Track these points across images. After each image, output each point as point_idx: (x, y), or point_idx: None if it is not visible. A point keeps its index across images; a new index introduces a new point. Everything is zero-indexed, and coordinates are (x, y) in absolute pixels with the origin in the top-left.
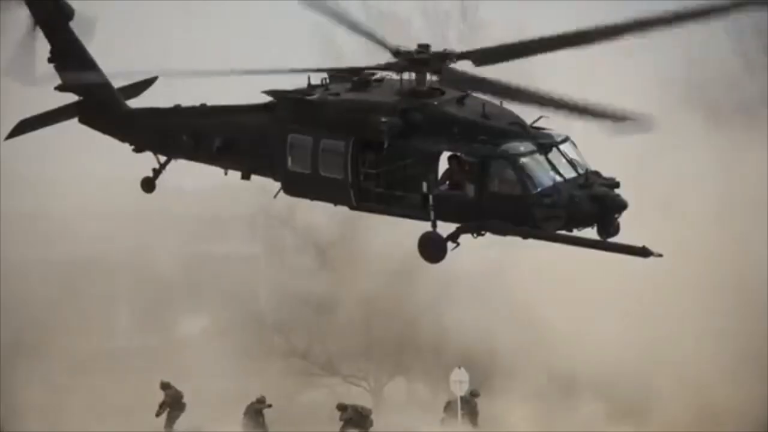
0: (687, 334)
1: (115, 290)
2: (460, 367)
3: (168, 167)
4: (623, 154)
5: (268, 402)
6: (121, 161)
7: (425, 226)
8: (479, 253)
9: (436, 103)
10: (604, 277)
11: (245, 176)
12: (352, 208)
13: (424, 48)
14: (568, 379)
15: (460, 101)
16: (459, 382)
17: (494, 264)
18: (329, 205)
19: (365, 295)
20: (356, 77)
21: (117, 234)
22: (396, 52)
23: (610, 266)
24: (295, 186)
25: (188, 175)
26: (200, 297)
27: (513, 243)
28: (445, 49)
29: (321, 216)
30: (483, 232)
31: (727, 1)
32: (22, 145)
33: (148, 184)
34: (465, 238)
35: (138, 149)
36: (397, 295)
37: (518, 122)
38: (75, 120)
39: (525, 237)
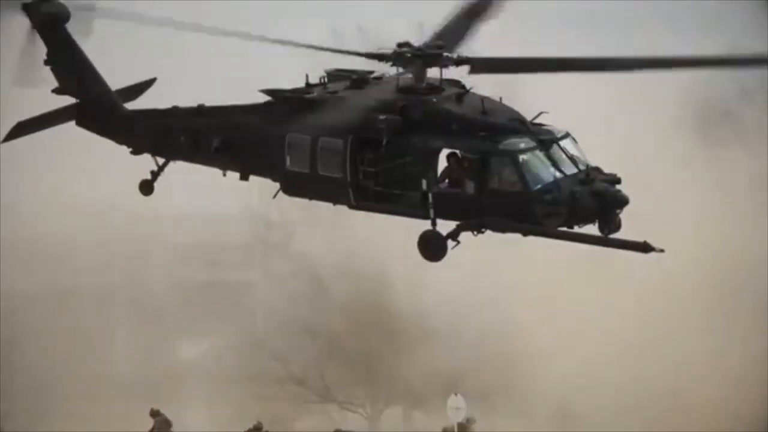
0: (685, 336)
1: (111, 316)
2: (456, 394)
3: (164, 194)
4: (622, 155)
5: (265, 428)
6: (119, 187)
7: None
8: (476, 279)
9: (434, 100)
10: (597, 287)
11: (244, 177)
12: (351, 207)
13: (423, 45)
14: (561, 399)
15: (459, 98)
16: (456, 409)
17: (489, 291)
18: (326, 232)
19: (362, 321)
20: (355, 75)
21: (113, 260)
22: (396, 47)
23: (602, 278)
24: (293, 186)
25: (186, 202)
26: (197, 323)
27: (507, 264)
28: (444, 48)
29: (318, 243)
30: (483, 230)
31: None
32: (16, 170)
33: (147, 187)
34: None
35: (136, 152)
36: (395, 322)
37: (518, 118)
38: (72, 144)
39: (525, 234)
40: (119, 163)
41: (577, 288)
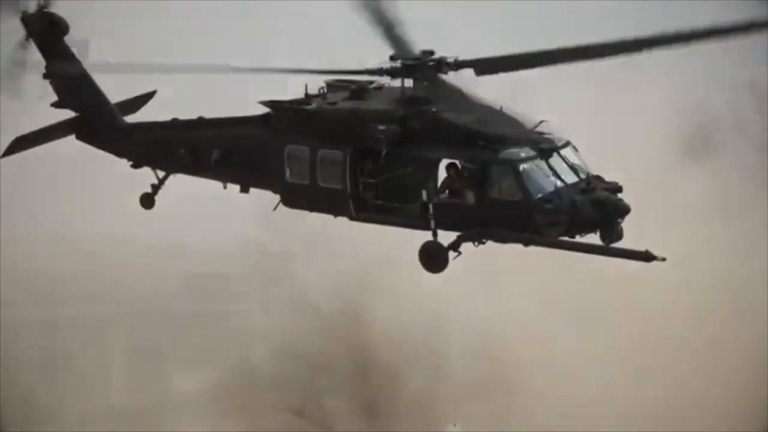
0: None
1: (106, 347)
2: (455, 424)
3: (161, 225)
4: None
5: None
6: (118, 218)
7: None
8: (477, 309)
9: (434, 109)
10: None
11: (244, 189)
12: (351, 218)
13: (424, 54)
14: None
15: (459, 107)
16: None
17: (485, 321)
18: (325, 262)
19: (362, 351)
20: (354, 85)
21: (111, 291)
22: (393, 58)
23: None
24: (294, 198)
25: (184, 234)
26: (195, 354)
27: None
28: (444, 57)
29: (316, 273)
30: (484, 241)
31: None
32: (17, 202)
33: (148, 200)
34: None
35: (136, 165)
36: (395, 352)
37: (518, 127)
38: (66, 175)
39: (527, 244)
40: (114, 193)
41: (568, 315)
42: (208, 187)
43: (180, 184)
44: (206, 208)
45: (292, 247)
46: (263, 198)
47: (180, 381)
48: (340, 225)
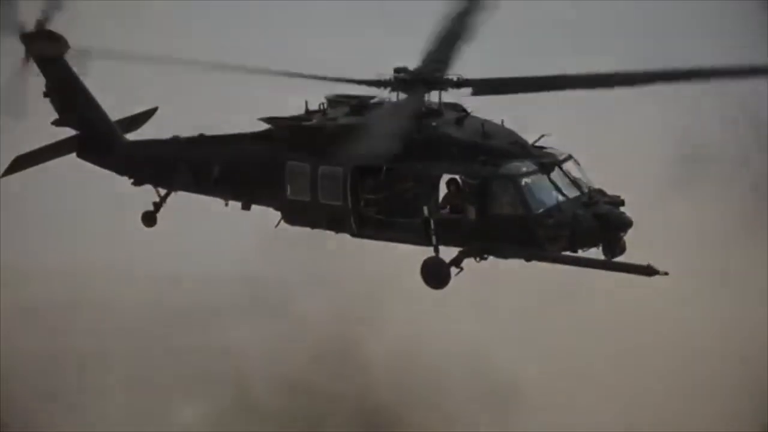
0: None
1: (108, 381)
2: None
3: (158, 255)
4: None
5: None
6: (116, 243)
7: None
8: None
9: (434, 124)
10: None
11: (245, 206)
12: (353, 235)
13: (420, 69)
14: None
15: (459, 122)
16: None
17: (491, 346)
18: (324, 293)
19: (362, 383)
20: (355, 101)
21: (110, 324)
22: (396, 71)
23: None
24: (295, 215)
25: (181, 265)
26: (194, 387)
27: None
28: (444, 72)
29: (316, 304)
30: (486, 256)
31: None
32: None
33: (149, 218)
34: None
35: (137, 183)
36: (396, 383)
37: (519, 142)
38: (65, 209)
39: (528, 259)
40: (113, 226)
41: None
42: (207, 213)
43: (180, 206)
44: (205, 235)
45: (291, 278)
46: (263, 225)
47: (178, 413)
48: (340, 248)
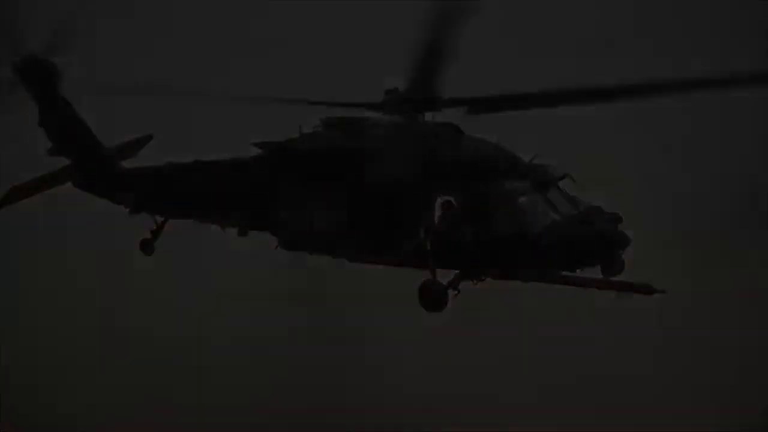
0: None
1: (107, 404)
2: None
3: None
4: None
5: None
6: (117, 278)
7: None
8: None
9: (429, 145)
10: None
11: (242, 232)
12: (351, 260)
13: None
14: None
15: (454, 142)
16: None
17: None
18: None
19: (360, 406)
20: (350, 122)
21: (109, 351)
22: (389, 92)
23: None
24: (291, 240)
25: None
26: (194, 414)
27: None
28: (436, 94)
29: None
30: (483, 278)
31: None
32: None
33: (147, 246)
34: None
35: (133, 210)
36: (394, 409)
37: (514, 161)
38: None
39: (526, 280)
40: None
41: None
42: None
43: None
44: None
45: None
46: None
47: None
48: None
